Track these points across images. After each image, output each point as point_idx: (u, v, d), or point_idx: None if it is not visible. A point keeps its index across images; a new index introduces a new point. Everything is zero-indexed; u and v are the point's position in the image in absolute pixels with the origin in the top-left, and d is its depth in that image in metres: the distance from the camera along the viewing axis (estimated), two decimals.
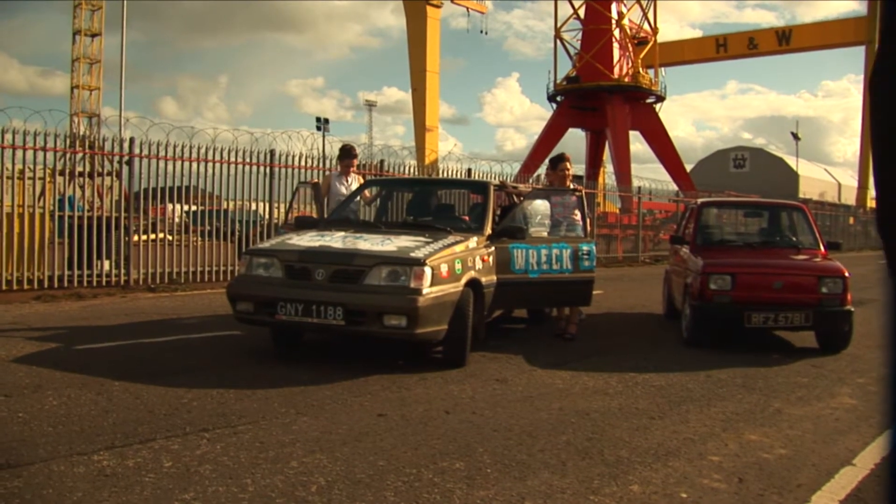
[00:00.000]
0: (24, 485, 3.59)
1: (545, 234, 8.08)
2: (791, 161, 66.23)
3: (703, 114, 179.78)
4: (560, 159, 9.31)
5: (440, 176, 17.80)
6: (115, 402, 5.12)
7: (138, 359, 6.71)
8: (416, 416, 5.08)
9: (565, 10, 48.29)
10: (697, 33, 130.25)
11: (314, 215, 9.30)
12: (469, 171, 18.71)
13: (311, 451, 4.23)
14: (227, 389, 5.53)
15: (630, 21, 47.67)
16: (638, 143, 49.98)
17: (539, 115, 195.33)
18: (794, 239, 9.56)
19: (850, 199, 61.33)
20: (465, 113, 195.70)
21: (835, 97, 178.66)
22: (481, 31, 69.34)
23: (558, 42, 48.17)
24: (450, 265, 6.50)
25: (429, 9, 53.11)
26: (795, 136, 63.92)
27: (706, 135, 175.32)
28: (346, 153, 9.26)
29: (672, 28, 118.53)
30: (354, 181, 9.12)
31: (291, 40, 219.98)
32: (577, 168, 20.33)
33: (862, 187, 58.40)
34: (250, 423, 4.75)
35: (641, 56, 46.67)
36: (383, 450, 4.30)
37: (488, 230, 7.46)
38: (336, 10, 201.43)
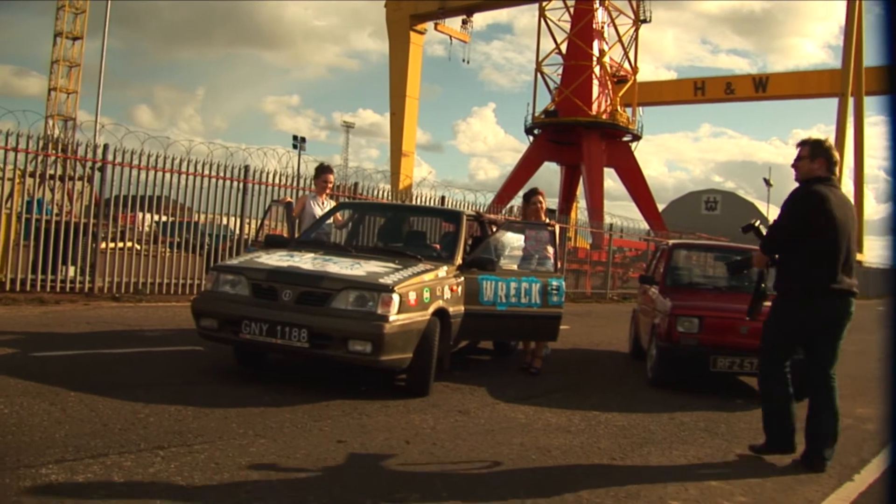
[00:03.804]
0: None
1: (515, 267, 8.07)
2: (762, 206, 66.99)
3: (676, 154, 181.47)
4: (533, 193, 9.36)
5: (414, 202, 17.78)
6: (68, 414, 5.01)
7: (97, 370, 6.57)
8: (375, 444, 5.02)
9: (547, 45, 48.77)
10: (672, 75, 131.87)
11: (285, 234, 9.22)
12: (443, 199, 18.73)
13: (266, 475, 4.15)
14: (185, 406, 5.42)
15: (611, 59, 48.20)
16: (610, 180, 50.36)
17: (513, 146, 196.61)
18: (763, 285, 9.59)
19: None
20: (439, 140, 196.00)
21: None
22: (463, 60, 69.53)
23: (538, 75, 48.56)
24: (418, 293, 6.45)
25: (412, 34, 53.50)
26: (768, 183, 64.62)
27: (678, 175, 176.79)
28: (322, 170, 9.19)
29: (647, 68, 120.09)
30: (328, 204, 9.05)
31: (269, 57, 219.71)
32: (551, 202, 20.39)
33: None
34: (207, 442, 4.66)
35: (620, 94, 47.16)
36: (340, 477, 4.24)
37: (459, 260, 7.43)
38: (315, 31, 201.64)
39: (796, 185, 5.61)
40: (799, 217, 5.46)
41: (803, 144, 5.61)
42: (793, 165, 5.65)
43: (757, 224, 6.15)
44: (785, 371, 5.60)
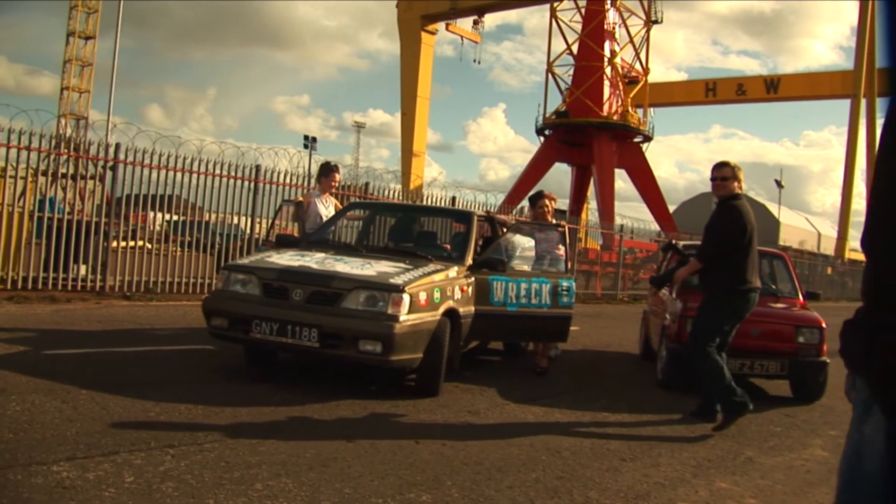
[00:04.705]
0: None
1: (526, 267, 8.05)
2: (773, 208, 66.72)
3: (687, 155, 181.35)
4: (539, 196, 9.31)
5: (425, 202, 17.78)
6: (80, 411, 5.03)
7: (108, 368, 6.59)
8: (385, 444, 5.01)
9: (558, 45, 48.74)
10: (683, 76, 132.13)
11: (296, 234, 9.23)
12: (453, 199, 18.72)
13: (276, 474, 4.15)
14: (195, 405, 5.44)
15: (622, 60, 48.13)
16: (620, 181, 50.28)
17: (523, 146, 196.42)
18: (773, 287, 9.56)
19: (829, 249, 61.81)
20: (450, 140, 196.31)
21: (816, 147, 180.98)
22: (474, 61, 69.76)
23: (549, 76, 48.51)
24: (428, 293, 6.45)
25: (423, 35, 53.57)
26: (779, 184, 64.38)
27: (688, 176, 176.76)
28: (328, 170, 9.17)
29: (658, 69, 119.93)
30: (331, 203, 9.04)
31: (279, 57, 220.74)
32: (561, 202, 20.34)
33: (841, 238, 58.88)
34: (217, 441, 4.67)
35: (631, 95, 47.08)
36: (350, 477, 4.24)
37: (469, 260, 7.42)
38: (325, 30, 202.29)
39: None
40: (736, 229, 6.43)
41: (724, 166, 6.56)
42: (717, 185, 6.58)
43: (675, 242, 7.27)
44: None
